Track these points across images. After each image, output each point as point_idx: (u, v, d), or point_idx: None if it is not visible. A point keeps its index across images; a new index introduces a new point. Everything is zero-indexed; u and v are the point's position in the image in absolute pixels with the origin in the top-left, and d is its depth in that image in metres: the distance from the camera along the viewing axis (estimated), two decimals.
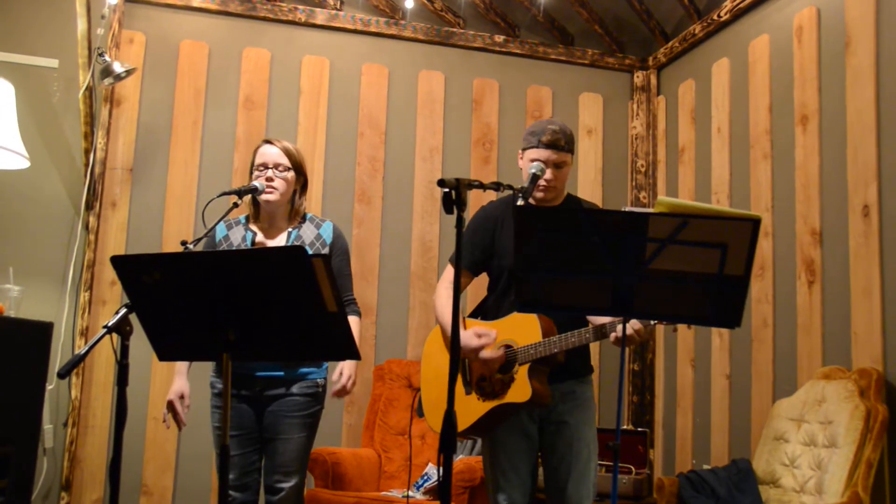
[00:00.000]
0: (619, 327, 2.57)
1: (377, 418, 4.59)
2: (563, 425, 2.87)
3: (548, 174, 2.84)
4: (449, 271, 3.06)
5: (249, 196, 3.10)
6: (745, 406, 4.32)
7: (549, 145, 2.83)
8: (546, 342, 2.73)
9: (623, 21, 5.43)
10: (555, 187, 2.89)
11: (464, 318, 2.99)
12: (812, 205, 3.98)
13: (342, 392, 3.01)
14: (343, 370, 3.02)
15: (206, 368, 3.11)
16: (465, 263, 2.96)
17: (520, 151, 2.96)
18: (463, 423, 2.85)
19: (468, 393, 2.89)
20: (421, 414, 3.04)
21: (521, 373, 2.76)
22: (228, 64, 4.89)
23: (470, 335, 2.79)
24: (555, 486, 2.88)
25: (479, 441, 4.34)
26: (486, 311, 3.04)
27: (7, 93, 3.89)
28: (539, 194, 2.88)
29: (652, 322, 2.54)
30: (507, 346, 2.83)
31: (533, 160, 2.84)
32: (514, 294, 2.28)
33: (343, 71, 5.06)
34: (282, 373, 2.99)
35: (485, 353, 2.78)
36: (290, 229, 3.11)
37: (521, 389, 2.75)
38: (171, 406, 2.99)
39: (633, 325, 2.55)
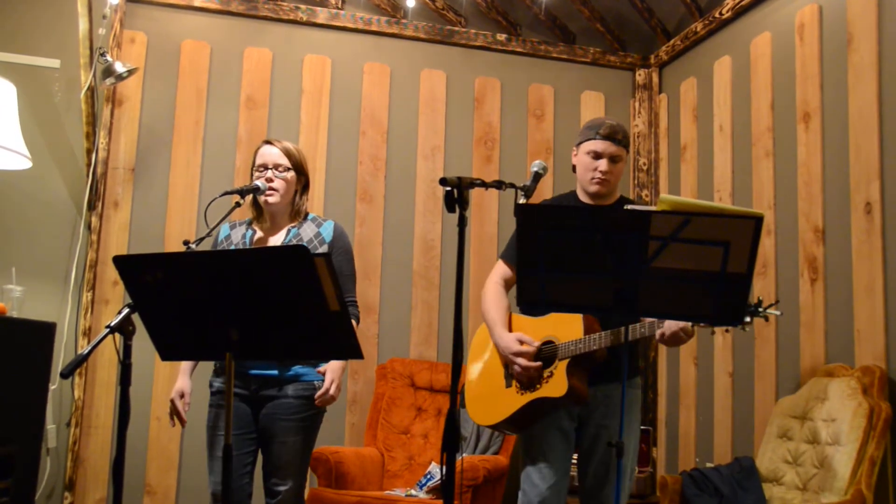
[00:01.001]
0: (667, 324, 2.56)
1: (380, 417, 4.60)
2: (603, 429, 2.86)
3: (603, 165, 2.88)
4: (498, 267, 3.08)
5: (251, 196, 3.10)
6: (748, 404, 4.31)
7: (607, 137, 2.87)
8: (586, 339, 2.73)
9: (625, 19, 5.43)
10: (609, 181, 2.90)
11: (511, 315, 3.02)
12: (814, 202, 3.98)
13: (326, 400, 2.94)
14: (326, 374, 2.95)
15: (210, 367, 3.12)
16: (513, 260, 2.95)
17: (574, 148, 2.99)
18: (499, 414, 2.90)
19: (508, 386, 2.92)
20: (463, 405, 3.07)
21: (560, 368, 2.77)
22: (230, 63, 4.89)
23: (513, 340, 2.85)
24: (591, 490, 2.88)
25: (484, 440, 4.35)
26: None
27: (9, 93, 3.90)
28: (594, 187, 2.91)
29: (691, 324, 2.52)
30: (549, 343, 2.84)
31: (589, 151, 2.89)
32: (516, 293, 2.28)
33: (345, 70, 5.06)
34: (275, 371, 2.95)
35: (521, 362, 2.81)
36: (289, 227, 3.10)
37: (558, 384, 2.76)
38: (172, 404, 3.01)
39: (677, 323, 2.54)
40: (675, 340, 2.57)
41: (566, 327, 2.81)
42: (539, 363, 2.81)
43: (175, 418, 3.03)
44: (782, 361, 4.13)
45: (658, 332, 2.60)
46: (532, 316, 2.96)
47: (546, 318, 2.89)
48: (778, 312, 2.41)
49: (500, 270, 3.07)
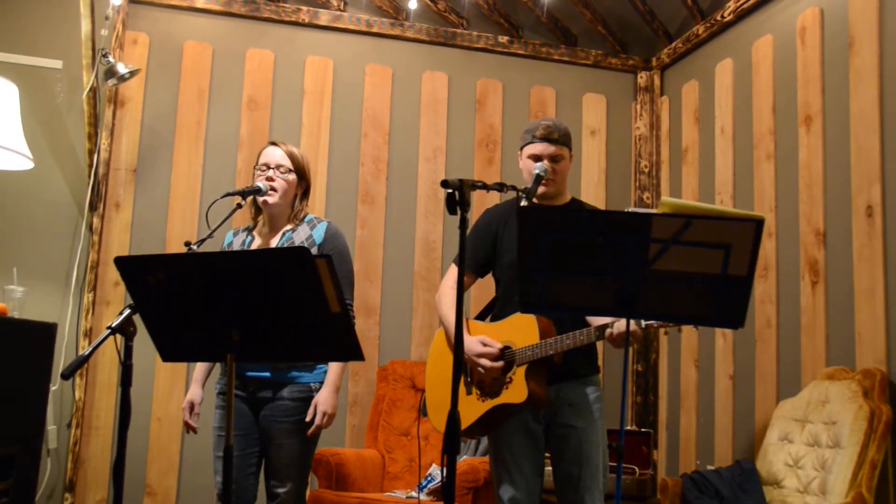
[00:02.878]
0: (616, 325, 2.58)
1: (381, 419, 4.60)
2: (571, 430, 2.87)
3: (543, 167, 2.87)
4: (452, 271, 3.08)
5: (252, 198, 3.11)
6: (749, 407, 4.31)
7: (543, 138, 2.90)
8: (542, 344, 2.74)
9: (626, 22, 5.43)
10: (553, 181, 2.90)
11: (468, 321, 3.00)
12: (815, 205, 3.98)
13: (316, 429, 2.92)
14: (317, 404, 2.92)
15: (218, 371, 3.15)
16: (468, 265, 2.99)
17: (518, 152, 3.03)
18: (464, 421, 2.86)
19: (469, 392, 2.91)
20: (425, 414, 3.05)
21: (519, 374, 2.78)
22: (232, 65, 4.90)
23: (476, 342, 2.84)
24: (567, 492, 2.88)
25: (484, 441, 4.34)
26: (492, 313, 3.05)
27: (11, 94, 3.90)
28: (539, 189, 2.89)
29: (643, 323, 2.52)
30: (506, 348, 2.84)
31: (529, 156, 2.92)
32: (517, 295, 2.28)
33: (346, 72, 5.06)
34: (268, 374, 2.95)
35: (485, 362, 2.82)
36: (284, 230, 3.10)
37: (517, 390, 2.77)
38: (184, 413, 3.07)
39: (627, 324, 2.53)
40: (621, 343, 2.55)
41: (522, 332, 2.81)
42: (502, 363, 2.81)
43: (188, 428, 3.08)
44: (783, 364, 4.13)
45: (607, 333, 2.62)
46: (492, 321, 2.99)
47: (501, 323, 2.91)
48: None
49: (454, 274, 3.06)
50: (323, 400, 2.94)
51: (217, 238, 3.10)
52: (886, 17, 3.68)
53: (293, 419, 2.94)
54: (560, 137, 2.91)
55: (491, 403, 2.83)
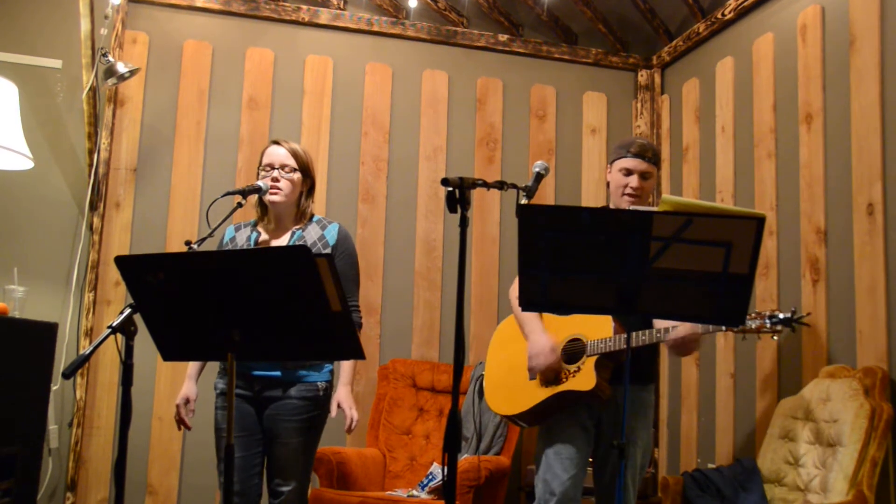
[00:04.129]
0: (681, 329, 2.68)
1: (382, 418, 4.60)
2: (621, 427, 2.89)
3: (634, 182, 3.02)
4: None
5: (256, 197, 3.11)
6: (750, 405, 4.31)
7: (638, 154, 3.02)
8: (617, 338, 2.82)
9: (627, 20, 5.43)
10: (640, 196, 3.04)
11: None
12: (816, 203, 3.98)
13: (352, 427, 3.04)
14: (341, 403, 3.03)
15: (215, 369, 3.13)
16: None
17: (608, 166, 3.15)
18: (520, 405, 3.00)
19: (532, 377, 3.00)
20: (482, 395, 3.15)
21: (589, 364, 2.86)
22: (232, 64, 4.90)
23: (548, 349, 2.93)
24: (605, 486, 2.96)
25: (485, 440, 4.34)
26: None
27: (11, 93, 3.90)
28: (626, 203, 3.04)
29: (711, 328, 2.66)
30: (576, 340, 2.93)
31: (621, 169, 3.04)
32: (519, 293, 2.28)
33: (347, 71, 5.06)
34: (279, 373, 2.96)
35: (547, 366, 2.92)
36: (294, 229, 3.10)
37: (585, 378, 2.85)
38: (177, 410, 3.04)
39: (687, 330, 2.67)
40: (682, 349, 2.70)
41: (595, 326, 2.89)
42: (558, 357, 2.91)
43: (180, 424, 3.06)
44: (784, 362, 4.13)
45: (670, 337, 2.70)
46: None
47: (576, 316, 2.97)
48: (808, 325, 2.55)
49: None
50: (345, 397, 3.03)
51: (217, 237, 3.10)
52: (888, 15, 3.67)
53: (300, 418, 2.95)
54: (653, 156, 3.04)
55: (556, 389, 2.91)
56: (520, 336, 3.09)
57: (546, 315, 3.06)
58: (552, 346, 2.93)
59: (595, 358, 2.85)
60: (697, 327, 2.68)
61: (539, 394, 2.95)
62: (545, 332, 2.98)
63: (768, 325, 2.63)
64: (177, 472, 4.53)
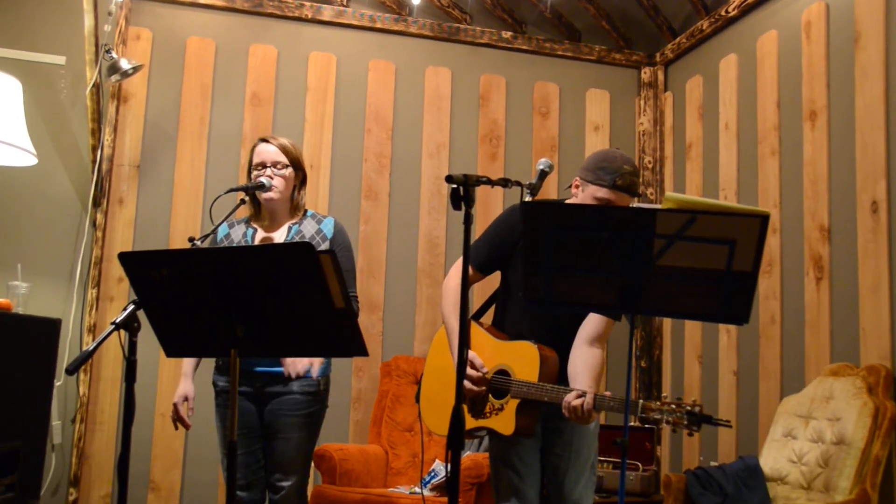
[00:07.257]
0: (582, 399, 2.51)
1: (384, 415, 4.60)
2: (564, 423, 2.77)
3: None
4: (458, 267, 2.92)
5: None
6: (753, 403, 4.31)
7: (625, 189, 2.61)
8: (539, 387, 2.63)
9: (630, 17, 5.42)
10: None
11: (471, 323, 2.90)
12: (820, 201, 3.97)
13: (294, 370, 2.97)
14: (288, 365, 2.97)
15: (211, 366, 3.12)
16: (478, 262, 2.84)
17: (577, 180, 2.71)
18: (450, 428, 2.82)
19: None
20: (417, 401, 3.00)
21: (510, 407, 2.69)
22: (235, 60, 4.90)
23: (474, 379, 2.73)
24: (554, 484, 2.84)
25: (487, 438, 4.34)
26: (496, 311, 2.96)
27: (15, 90, 3.90)
28: None
29: (607, 403, 2.49)
30: (503, 372, 2.75)
31: (598, 199, 2.61)
32: (522, 291, 2.27)
33: (350, 67, 5.06)
34: (281, 369, 2.97)
35: (470, 386, 2.71)
36: (290, 223, 3.11)
37: (506, 422, 2.69)
38: (175, 409, 3.02)
39: (584, 400, 2.49)
40: (575, 415, 2.51)
41: (523, 362, 2.69)
42: (483, 388, 2.72)
43: (178, 423, 3.04)
44: (787, 360, 4.12)
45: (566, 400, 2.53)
46: (494, 320, 2.90)
47: (506, 343, 2.78)
48: (729, 425, 2.44)
49: (459, 271, 2.88)
50: (291, 362, 2.96)
51: (213, 235, 3.10)
52: (893, 12, 3.66)
53: (302, 413, 2.98)
54: (638, 189, 2.66)
55: (478, 423, 2.76)
56: (447, 349, 2.86)
57: (480, 332, 2.85)
58: (478, 377, 2.72)
59: (517, 401, 2.66)
60: (591, 400, 2.49)
61: (469, 420, 2.74)
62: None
63: (685, 422, 2.43)
64: (179, 468, 4.54)
